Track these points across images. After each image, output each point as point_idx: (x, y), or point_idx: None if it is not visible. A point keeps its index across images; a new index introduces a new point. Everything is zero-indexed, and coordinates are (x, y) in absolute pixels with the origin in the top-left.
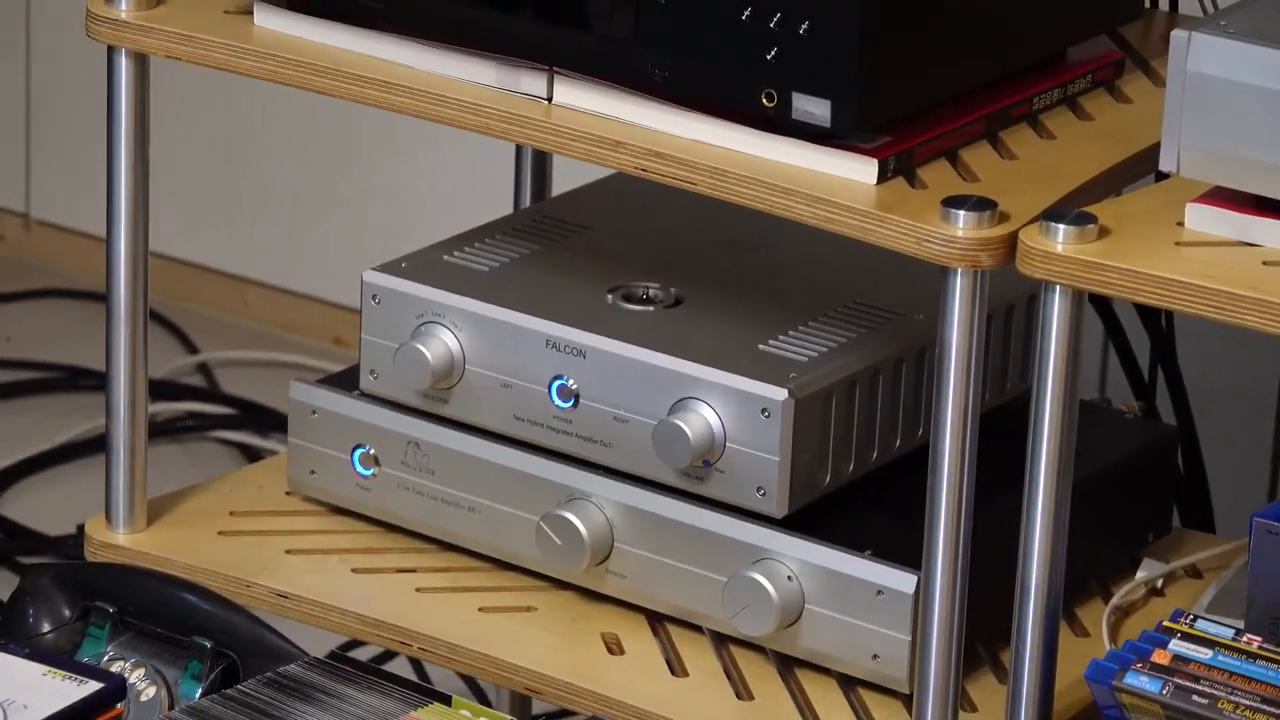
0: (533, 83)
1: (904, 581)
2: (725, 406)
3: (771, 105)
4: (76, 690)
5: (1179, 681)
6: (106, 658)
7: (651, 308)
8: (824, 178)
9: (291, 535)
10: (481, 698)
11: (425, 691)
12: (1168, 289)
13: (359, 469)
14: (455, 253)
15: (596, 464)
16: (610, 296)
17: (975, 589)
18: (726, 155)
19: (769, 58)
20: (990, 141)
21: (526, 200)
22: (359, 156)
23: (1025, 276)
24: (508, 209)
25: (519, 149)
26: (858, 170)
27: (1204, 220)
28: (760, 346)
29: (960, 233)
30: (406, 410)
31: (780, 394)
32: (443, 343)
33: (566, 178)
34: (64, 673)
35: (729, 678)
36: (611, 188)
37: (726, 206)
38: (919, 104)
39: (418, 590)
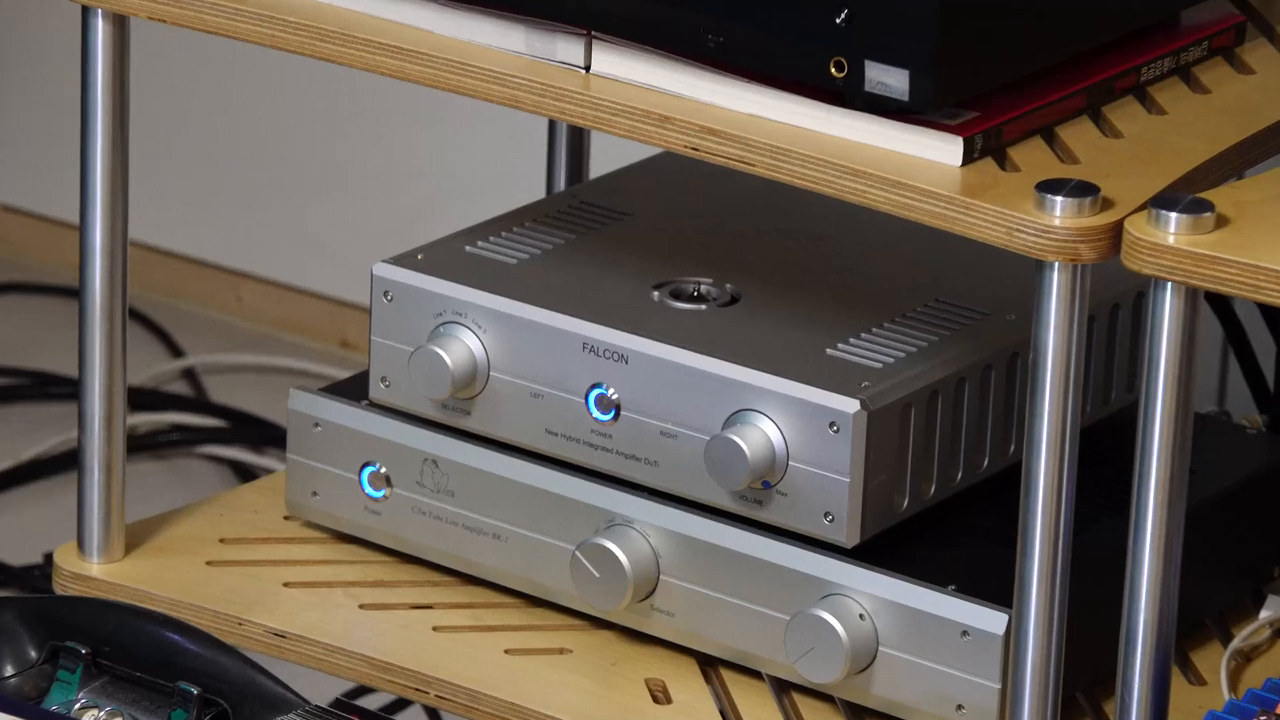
0: (568, 49)
1: (993, 621)
2: (788, 420)
3: (841, 76)
4: None
5: None
6: (78, 705)
7: (703, 306)
8: (901, 158)
9: (290, 566)
10: None
11: None
12: None
13: (368, 490)
14: (479, 243)
15: (640, 485)
16: (656, 293)
17: (1074, 629)
18: (789, 132)
19: (838, 21)
20: (1092, 117)
21: (561, 183)
22: (369, 133)
23: (1132, 272)
24: (539, 193)
25: (552, 125)
26: (940, 150)
27: None
28: (828, 351)
29: (1057, 221)
30: (423, 423)
31: (851, 405)
32: (464, 346)
33: (606, 158)
34: None
35: None
36: (657, 169)
37: (789, 191)
38: (1010, 74)
39: (435, 629)
